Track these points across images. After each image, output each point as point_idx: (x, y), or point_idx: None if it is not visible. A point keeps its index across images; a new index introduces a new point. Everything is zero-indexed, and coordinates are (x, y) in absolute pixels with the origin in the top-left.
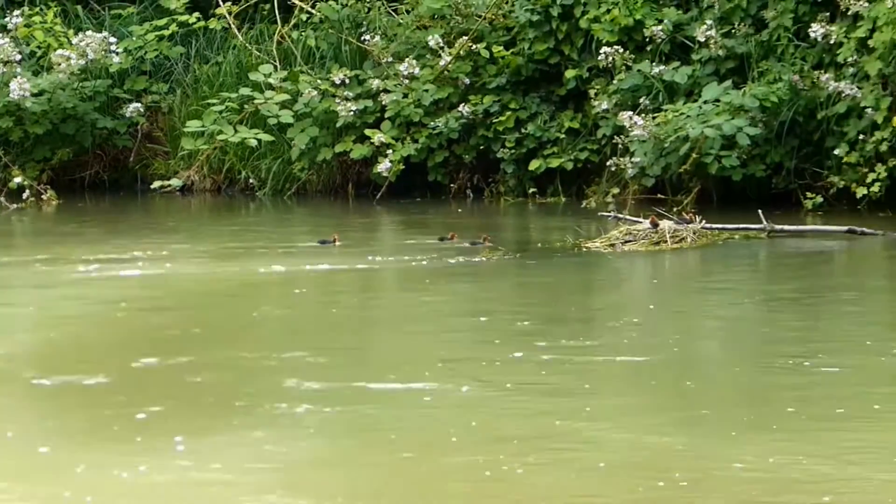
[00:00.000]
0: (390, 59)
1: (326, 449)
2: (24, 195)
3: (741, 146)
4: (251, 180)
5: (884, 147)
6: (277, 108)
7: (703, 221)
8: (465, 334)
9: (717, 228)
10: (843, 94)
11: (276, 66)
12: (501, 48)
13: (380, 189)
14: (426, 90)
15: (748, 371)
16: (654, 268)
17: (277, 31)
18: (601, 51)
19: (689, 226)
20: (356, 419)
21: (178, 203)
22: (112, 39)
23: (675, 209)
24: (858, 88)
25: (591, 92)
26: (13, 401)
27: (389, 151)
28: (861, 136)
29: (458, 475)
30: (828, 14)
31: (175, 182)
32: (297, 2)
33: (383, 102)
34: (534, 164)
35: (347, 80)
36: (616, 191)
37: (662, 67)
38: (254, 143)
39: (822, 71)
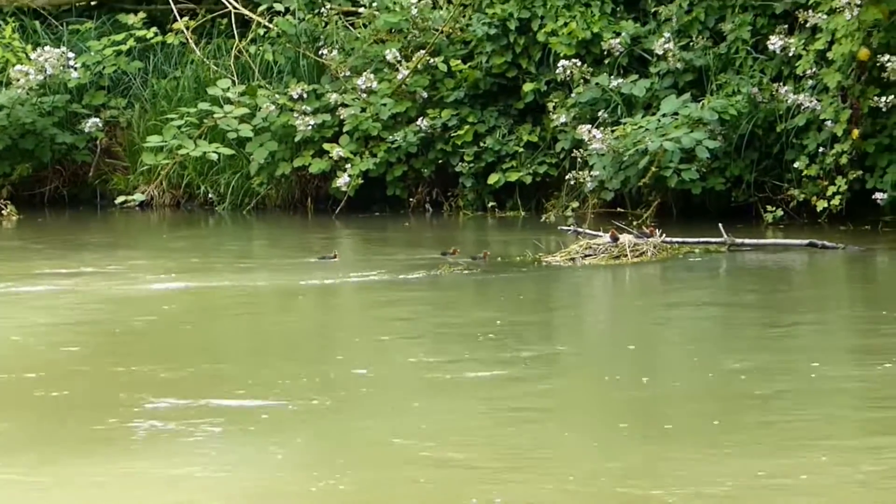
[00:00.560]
0: (348, 74)
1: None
2: None
3: (700, 159)
4: (210, 195)
5: (843, 160)
6: (236, 123)
7: (664, 235)
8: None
9: (678, 242)
10: (803, 107)
11: (234, 81)
12: (459, 62)
13: (339, 203)
14: (384, 104)
15: (704, 386)
16: (614, 281)
17: (235, 46)
18: (559, 64)
19: (650, 239)
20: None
21: (138, 218)
22: (70, 55)
23: (634, 223)
24: (818, 101)
25: (550, 105)
26: None
27: (348, 166)
28: (821, 149)
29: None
30: (786, 26)
31: (138, 197)
32: (253, 17)
33: (341, 117)
34: (493, 178)
35: (305, 95)
36: (575, 205)
37: (620, 80)
38: (214, 156)
39: (781, 83)
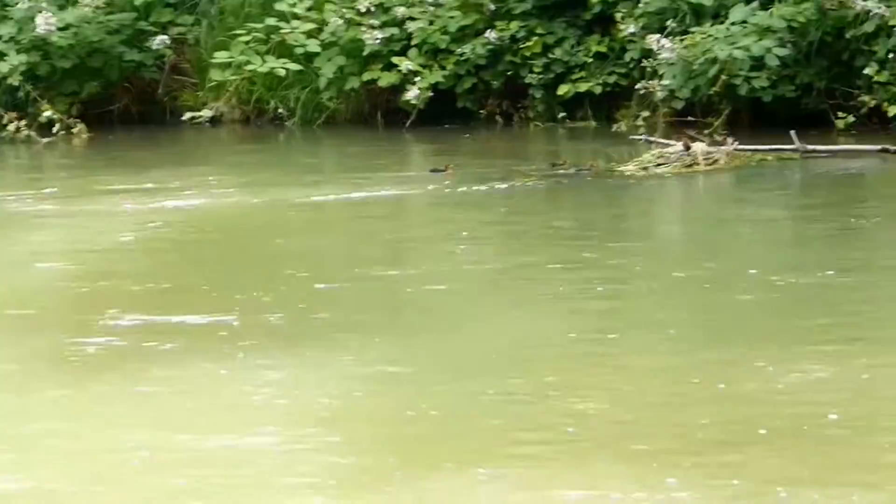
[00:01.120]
0: None
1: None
2: (55, 129)
3: (770, 67)
4: (280, 110)
5: None
6: (304, 38)
7: (736, 143)
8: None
9: (750, 150)
10: (871, 13)
11: None
12: None
13: (409, 117)
14: (452, 17)
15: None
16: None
17: None
18: None
19: (722, 148)
20: None
21: (208, 134)
22: None
23: (706, 131)
24: (886, 7)
25: (618, 15)
26: None
27: (417, 79)
28: (891, 55)
29: None
30: None
31: (206, 113)
32: None
33: (409, 30)
34: (562, 89)
35: (373, 9)
36: (646, 114)
37: None
38: (282, 72)
39: None
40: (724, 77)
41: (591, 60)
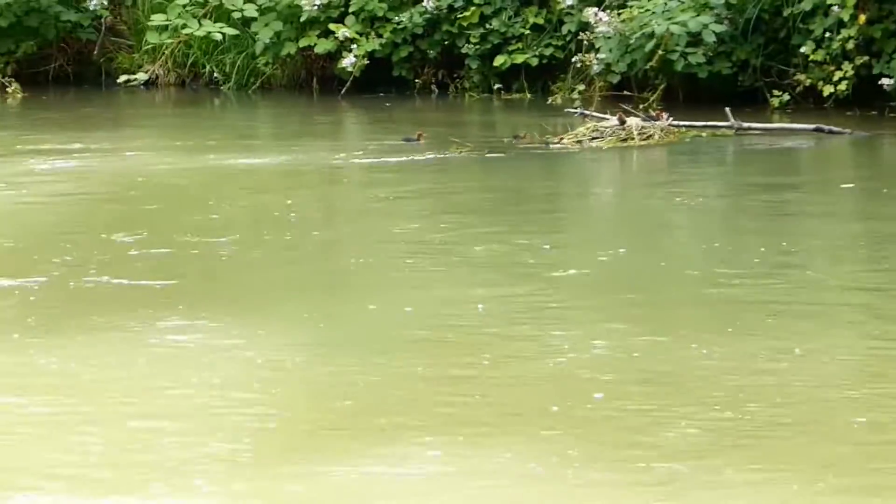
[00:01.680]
0: None
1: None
2: None
3: (707, 43)
4: (215, 74)
5: (850, 45)
6: (241, 2)
7: (671, 118)
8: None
9: (685, 126)
10: None
11: None
12: None
13: (344, 84)
14: None
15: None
16: (622, 163)
17: None
18: None
19: (657, 123)
20: None
21: (142, 97)
22: None
23: (641, 106)
24: None
25: None
26: None
27: (354, 46)
28: (827, 34)
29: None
30: None
31: (141, 76)
32: None
33: None
34: (498, 60)
35: None
36: (582, 87)
37: None
38: (218, 36)
39: None
40: (660, 52)
41: (527, 32)
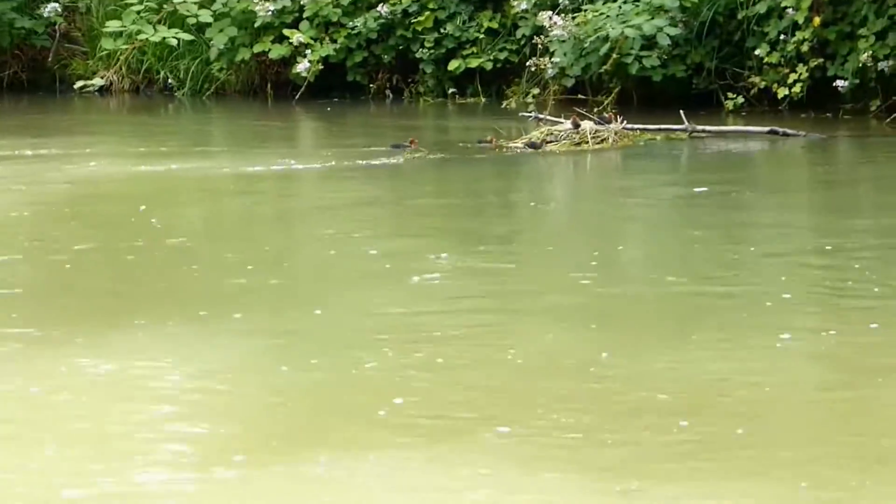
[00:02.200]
0: None
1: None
2: None
3: (661, 46)
4: (170, 80)
5: (805, 47)
6: (196, 8)
7: (625, 122)
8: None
9: (639, 129)
10: None
11: None
12: None
13: (299, 89)
14: None
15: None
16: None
17: None
18: None
19: (611, 126)
20: None
21: (97, 103)
22: None
23: (595, 110)
24: None
25: None
26: None
27: (308, 52)
28: (782, 37)
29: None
30: None
31: (97, 82)
32: None
33: (301, 2)
34: (453, 65)
35: None
36: (536, 91)
37: None
38: (174, 42)
39: None
40: (615, 55)
41: (482, 36)
